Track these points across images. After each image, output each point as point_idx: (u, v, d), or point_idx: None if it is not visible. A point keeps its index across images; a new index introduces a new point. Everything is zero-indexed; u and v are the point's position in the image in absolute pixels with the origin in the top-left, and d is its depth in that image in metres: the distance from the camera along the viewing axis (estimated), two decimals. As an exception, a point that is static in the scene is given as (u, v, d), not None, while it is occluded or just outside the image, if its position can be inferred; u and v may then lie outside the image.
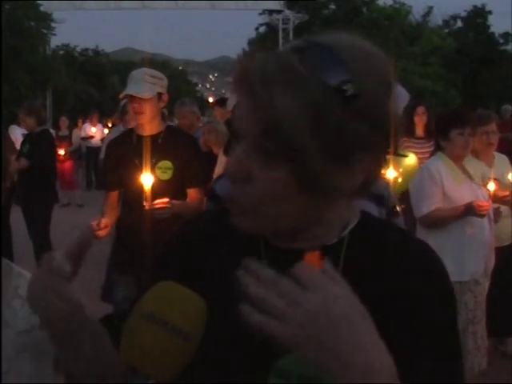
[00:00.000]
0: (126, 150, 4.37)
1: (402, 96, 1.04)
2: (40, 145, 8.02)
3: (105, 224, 4.21)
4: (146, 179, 4.05)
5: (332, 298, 0.90)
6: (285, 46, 1.10)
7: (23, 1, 29.19)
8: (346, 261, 1.11)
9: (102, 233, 4.22)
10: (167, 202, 4.06)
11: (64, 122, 18.05)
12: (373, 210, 2.44)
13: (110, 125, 17.23)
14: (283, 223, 1.09)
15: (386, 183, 2.58)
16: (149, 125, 4.34)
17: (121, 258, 4.52)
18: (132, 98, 4.29)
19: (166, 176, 4.28)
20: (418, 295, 1.07)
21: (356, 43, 1.08)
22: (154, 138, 4.34)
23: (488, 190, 4.62)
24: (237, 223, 1.11)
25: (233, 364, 1.11)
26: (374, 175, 1.12)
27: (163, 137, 4.34)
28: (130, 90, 4.28)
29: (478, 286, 4.30)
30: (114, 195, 4.49)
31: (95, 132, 18.83)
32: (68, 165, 17.03)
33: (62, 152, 16.73)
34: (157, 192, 4.11)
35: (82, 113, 23.18)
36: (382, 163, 1.12)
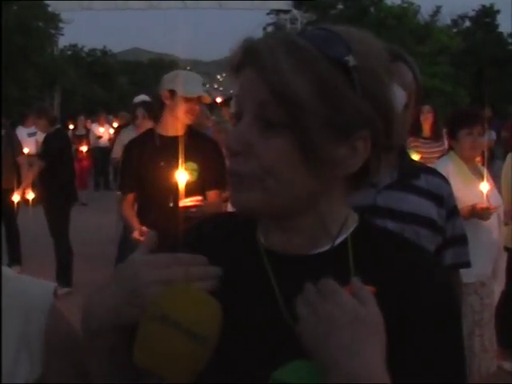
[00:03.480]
0: (148, 152, 4.33)
1: (399, 95, 1.08)
2: (54, 144, 8.05)
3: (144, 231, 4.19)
4: (181, 177, 4.01)
5: (340, 308, 0.99)
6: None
7: (31, 1, 29.25)
8: (356, 266, 1.12)
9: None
10: (201, 200, 4.04)
11: (81, 121, 18.25)
12: (432, 209, 2.41)
13: (115, 124, 17.24)
14: (283, 198, 1.09)
15: (445, 182, 2.54)
16: (177, 126, 4.33)
17: None
18: (190, 99, 4.27)
19: (192, 177, 4.23)
20: (424, 308, 1.07)
21: (356, 30, 1.14)
22: (179, 138, 4.31)
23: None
24: (236, 202, 1.12)
25: (234, 366, 1.12)
26: (375, 164, 1.13)
27: (187, 138, 4.29)
28: (199, 91, 4.31)
29: (484, 287, 4.25)
30: (132, 197, 4.48)
31: (103, 132, 18.88)
32: (86, 163, 17.13)
33: (84, 149, 16.81)
34: (177, 193, 4.09)
35: (90, 113, 23.24)
36: (381, 153, 1.13)
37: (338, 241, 1.15)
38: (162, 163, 4.23)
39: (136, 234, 4.22)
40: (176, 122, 4.35)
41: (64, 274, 7.70)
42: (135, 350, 1.04)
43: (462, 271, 2.69)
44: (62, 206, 8.01)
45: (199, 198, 4.06)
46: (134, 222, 4.38)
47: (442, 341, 1.06)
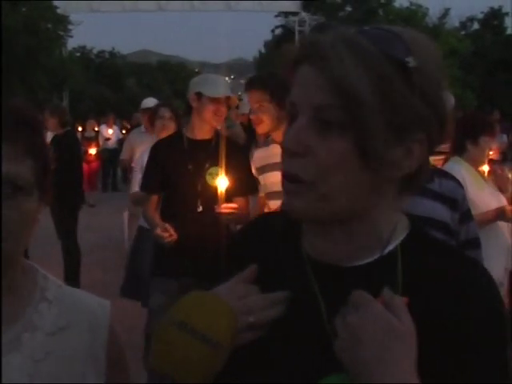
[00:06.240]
0: (176, 154, 4.32)
1: (449, 98, 1.10)
2: (64, 146, 8.05)
3: (167, 228, 4.20)
4: (222, 183, 3.99)
5: (372, 319, 0.99)
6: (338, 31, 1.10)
7: (40, 2, 29.31)
8: (403, 277, 1.10)
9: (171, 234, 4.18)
10: (235, 208, 4.02)
11: (91, 123, 18.41)
12: (446, 213, 2.40)
13: (129, 126, 17.31)
14: (341, 201, 1.07)
15: (458, 186, 2.53)
16: (205, 129, 4.32)
17: (164, 261, 4.43)
18: (216, 100, 4.26)
19: (216, 182, 4.18)
20: (472, 324, 1.05)
21: (412, 31, 1.12)
22: (207, 142, 4.30)
23: None
24: (289, 206, 1.10)
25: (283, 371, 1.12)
26: (426, 167, 1.13)
27: (215, 142, 4.29)
28: (225, 92, 4.30)
29: (502, 288, 4.29)
30: (156, 198, 4.48)
31: (111, 134, 18.93)
32: (95, 165, 17.17)
33: (93, 151, 16.87)
34: (206, 197, 4.09)
35: (99, 115, 23.32)
36: (429, 156, 1.13)
37: (388, 249, 1.13)
38: (190, 166, 4.24)
39: (159, 231, 4.21)
40: (204, 125, 4.35)
41: (72, 276, 7.70)
42: (152, 353, 1.06)
43: None
44: (70, 208, 8.02)
45: (235, 205, 4.04)
46: (157, 219, 4.38)
47: (488, 356, 1.05)
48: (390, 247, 1.13)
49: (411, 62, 1.05)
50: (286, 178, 1.10)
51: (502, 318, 1.08)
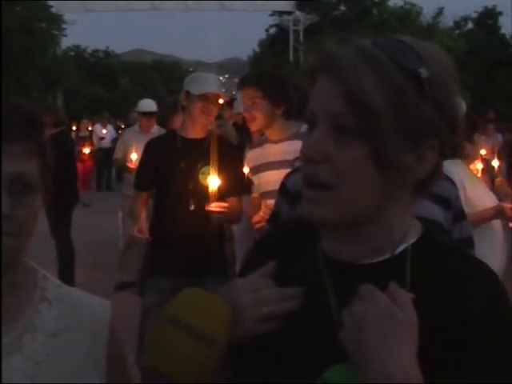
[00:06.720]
0: (169, 153, 4.34)
1: (461, 104, 1.15)
2: (58, 146, 8.02)
3: (142, 229, 4.31)
4: (213, 182, 3.99)
5: (376, 308, 1.02)
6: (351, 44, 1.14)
7: (34, 2, 29.26)
8: (412, 277, 1.13)
9: (145, 235, 4.34)
10: (226, 207, 4.02)
11: (84, 123, 18.35)
12: (438, 213, 2.40)
13: (123, 126, 17.27)
14: (356, 206, 1.12)
15: (452, 185, 2.53)
16: (196, 128, 4.33)
17: (157, 260, 4.47)
18: (204, 98, 4.25)
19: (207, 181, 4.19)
20: (482, 323, 1.06)
21: (424, 42, 1.18)
22: (200, 141, 4.30)
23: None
24: (309, 214, 1.14)
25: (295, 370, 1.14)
26: (438, 170, 1.17)
27: (209, 142, 4.28)
28: (212, 89, 4.29)
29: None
30: (145, 195, 4.53)
31: (106, 133, 18.88)
32: (89, 164, 17.13)
33: (87, 151, 16.84)
34: (198, 196, 4.10)
35: (93, 114, 23.30)
36: (442, 161, 1.17)
37: (399, 250, 1.16)
38: (183, 165, 4.25)
39: (135, 230, 4.30)
40: (194, 124, 4.36)
41: (66, 276, 7.68)
42: (147, 351, 1.06)
43: None
44: (64, 207, 7.99)
45: (225, 204, 4.05)
46: (141, 219, 4.47)
47: (488, 353, 1.06)
48: (401, 248, 1.16)
49: (424, 72, 1.10)
50: (306, 183, 1.14)
51: (505, 313, 1.09)
